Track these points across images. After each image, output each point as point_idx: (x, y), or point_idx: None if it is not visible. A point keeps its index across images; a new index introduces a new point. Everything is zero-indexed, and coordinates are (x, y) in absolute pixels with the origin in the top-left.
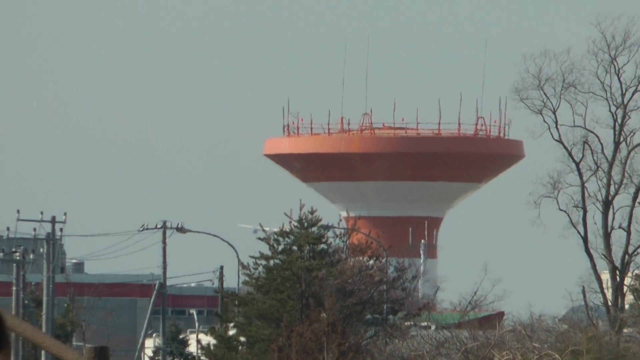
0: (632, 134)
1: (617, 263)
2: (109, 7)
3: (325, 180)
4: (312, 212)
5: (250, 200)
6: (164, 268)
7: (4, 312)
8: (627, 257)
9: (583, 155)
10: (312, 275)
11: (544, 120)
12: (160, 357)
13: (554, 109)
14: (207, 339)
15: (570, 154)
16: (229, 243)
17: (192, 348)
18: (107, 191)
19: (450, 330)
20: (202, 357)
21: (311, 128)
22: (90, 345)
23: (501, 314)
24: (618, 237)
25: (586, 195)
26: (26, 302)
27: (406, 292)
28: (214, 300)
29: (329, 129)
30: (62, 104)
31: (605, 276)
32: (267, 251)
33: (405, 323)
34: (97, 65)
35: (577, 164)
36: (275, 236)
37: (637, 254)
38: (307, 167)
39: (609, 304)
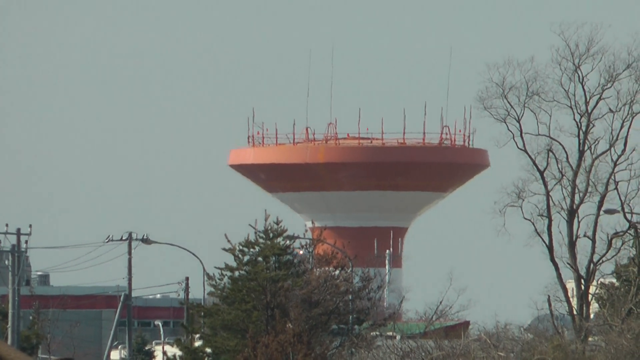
0: (596, 142)
1: (582, 272)
2: (72, 14)
3: (291, 191)
4: (277, 223)
5: (215, 211)
6: (130, 279)
7: None
8: (592, 265)
9: (547, 164)
10: (278, 286)
11: (508, 129)
12: None
13: (518, 117)
14: (172, 351)
15: (534, 163)
16: (194, 254)
17: (158, 359)
18: (72, 203)
19: (415, 340)
20: None
21: (276, 138)
22: (55, 357)
23: (467, 323)
24: (583, 246)
25: (551, 204)
26: None
27: (372, 302)
28: (179, 311)
29: (294, 139)
30: (27, 116)
31: (571, 285)
32: (232, 262)
33: (371, 333)
34: (62, 77)
35: (542, 173)
36: (241, 247)
37: (602, 262)
38: (272, 177)
39: (575, 312)
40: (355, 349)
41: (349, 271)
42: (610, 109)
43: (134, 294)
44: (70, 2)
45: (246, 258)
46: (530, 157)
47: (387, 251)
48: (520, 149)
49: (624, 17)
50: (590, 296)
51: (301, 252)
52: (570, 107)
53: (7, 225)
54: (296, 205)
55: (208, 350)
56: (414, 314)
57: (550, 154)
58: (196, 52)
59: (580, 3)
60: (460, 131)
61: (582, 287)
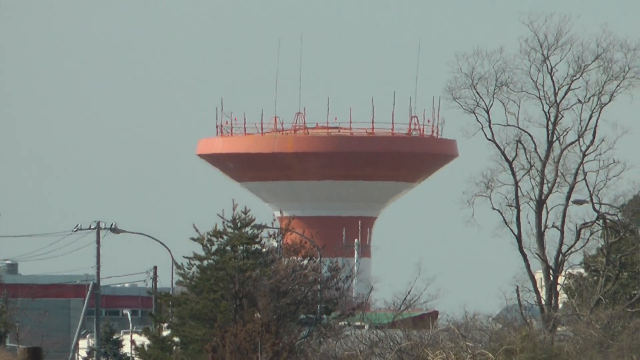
0: (565, 132)
1: (551, 262)
2: (40, 7)
3: (259, 180)
4: (245, 212)
5: (183, 200)
6: (98, 268)
7: None
8: (560, 256)
9: (516, 155)
10: (246, 276)
11: (477, 120)
12: (94, 358)
13: (487, 108)
14: (141, 340)
15: (503, 153)
16: (162, 243)
17: (126, 349)
18: (40, 191)
19: (384, 330)
20: (136, 358)
21: (245, 128)
22: (24, 346)
23: (435, 313)
24: (551, 236)
25: (519, 194)
26: None
27: (340, 292)
28: (147, 300)
29: (262, 128)
30: None
31: (539, 275)
32: (201, 251)
33: (339, 323)
34: (30, 66)
35: (511, 163)
36: (209, 236)
37: (571, 253)
38: (240, 166)
39: (543, 303)
40: (323, 338)
41: (317, 261)
42: (579, 99)
43: (102, 283)
44: None
45: (214, 247)
46: (499, 147)
47: (356, 241)
48: (489, 140)
49: (592, 8)
50: (558, 286)
51: (275, 243)
52: (539, 98)
53: None
54: (264, 195)
55: (176, 339)
56: (382, 303)
57: (519, 144)
58: (164, 42)
59: None
60: (429, 121)
61: (551, 277)
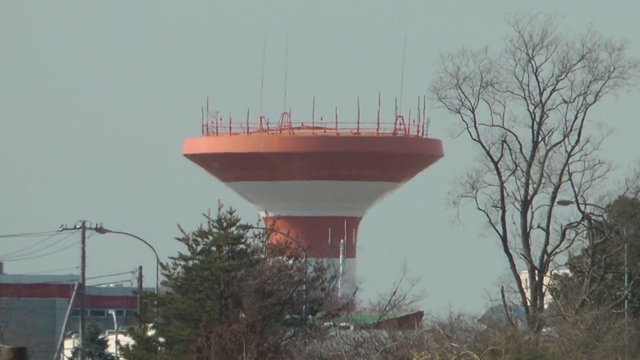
0: (550, 133)
1: (536, 263)
2: (18, 5)
3: (244, 180)
4: (230, 212)
5: (168, 200)
6: (83, 268)
7: None
8: (545, 256)
9: (502, 155)
10: (231, 276)
11: (463, 120)
12: (79, 358)
13: (472, 108)
14: (126, 340)
15: (488, 154)
16: (147, 243)
17: (111, 349)
18: (25, 191)
19: (369, 331)
20: (121, 358)
21: (230, 128)
22: (8, 346)
23: (420, 313)
24: (537, 237)
25: (505, 194)
26: None
27: (325, 292)
28: (133, 300)
29: (248, 128)
30: None
31: (524, 276)
32: (186, 251)
33: (325, 323)
34: (12, 65)
35: (496, 164)
36: (194, 236)
37: (556, 253)
38: (226, 166)
39: (528, 303)
40: (308, 339)
41: (302, 261)
42: (564, 99)
43: (87, 283)
44: None
45: (199, 247)
46: (484, 147)
47: (341, 241)
48: (475, 140)
49: (577, 7)
50: (544, 287)
51: (260, 244)
52: (524, 98)
53: None
54: (250, 195)
55: (161, 339)
56: (367, 304)
57: (504, 144)
58: (150, 42)
59: None
60: (414, 121)
61: (536, 278)
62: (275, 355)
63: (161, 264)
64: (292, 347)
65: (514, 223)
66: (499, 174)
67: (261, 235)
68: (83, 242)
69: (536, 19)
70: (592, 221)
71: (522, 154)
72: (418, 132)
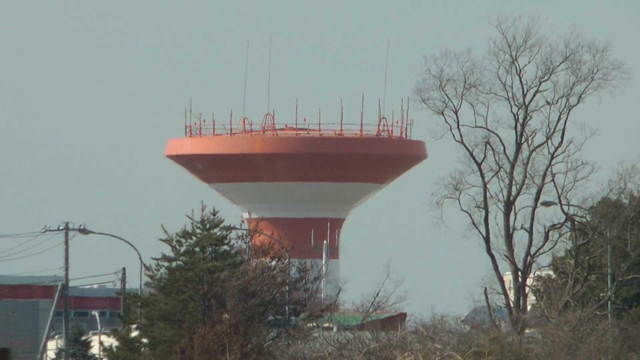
0: (533, 134)
1: (519, 264)
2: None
3: (228, 181)
4: (214, 214)
5: (152, 201)
6: (66, 269)
7: None
8: (529, 258)
9: (485, 156)
10: (215, 277)
11: (446, 121)
12: (62, 359)
13: (455, 109)
14: (109, 341)
15: (472, 155)
16: (131, 244)
17: (95, 350)
18: (8, 192)
19: (352, 332)
20: (104, 359)
21: (213, 129)
22: None
23: (403, 315)
24: (520, 238)
25: (488, 196)
26: None
27: (308, 293)
28: (116, 301)
29: (231, 129)
30: None
31: (508, 277)
32: (169, 252)
33: (308, 324)
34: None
35: (479, 165)
36: (178, 237)
37: (539, 255)
38: (209, 167)
39: (511, 305)
40: (292, 340)
41: (285, 262)
42: (547, 101)
43: (70, 284)
44: None
45: (183, 249)
46: (467, 149)
47: (324, 242)
48: (458, 141)
49: (561, 9)
50: (527, 288)
51: (243, 245)
52: (508, 100)
53: None
54: (233, 196)
55: (145, 340)
56: (350, 305)
57: (488, 146)
58: (133, 42)
59: None
60: (397, 123)
61: (519, 279)
62: (259, 356)
63: (144, 265)
64: (275, 348)
65: (497, 224)
66: (482, 175)
67: (244, 236)
68: (66, 243)
69: (519, 20)
70: (576, 222)
71: (505, 155)
72: (401, 133)
